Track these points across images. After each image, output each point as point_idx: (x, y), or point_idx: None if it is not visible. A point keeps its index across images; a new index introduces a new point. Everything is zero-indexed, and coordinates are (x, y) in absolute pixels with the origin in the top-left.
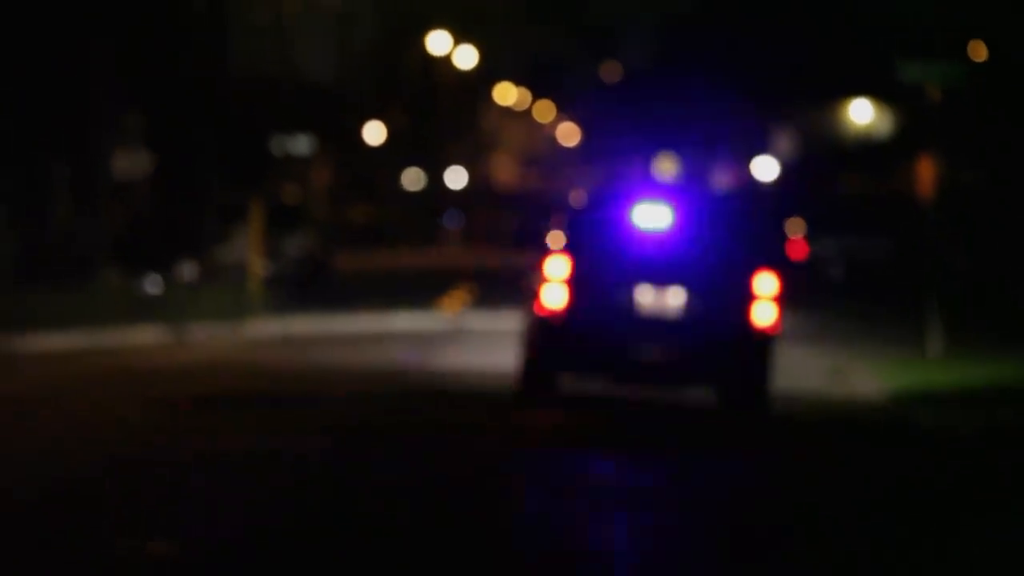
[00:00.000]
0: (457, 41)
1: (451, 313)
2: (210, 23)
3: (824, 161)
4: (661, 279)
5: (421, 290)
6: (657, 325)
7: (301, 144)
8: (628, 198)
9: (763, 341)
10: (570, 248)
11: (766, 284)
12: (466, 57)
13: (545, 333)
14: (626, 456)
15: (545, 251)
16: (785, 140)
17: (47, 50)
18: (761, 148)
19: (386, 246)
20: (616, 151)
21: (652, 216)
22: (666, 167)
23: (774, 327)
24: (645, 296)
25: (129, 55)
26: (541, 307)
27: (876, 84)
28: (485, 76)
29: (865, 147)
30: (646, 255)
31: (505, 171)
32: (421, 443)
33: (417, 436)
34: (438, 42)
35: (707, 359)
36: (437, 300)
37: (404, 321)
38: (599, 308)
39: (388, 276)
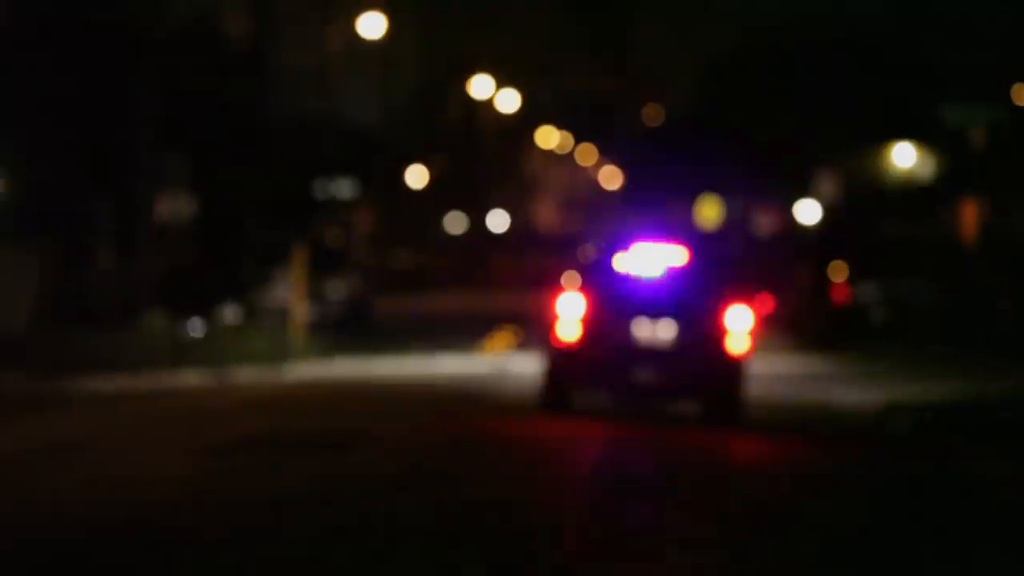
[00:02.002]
0: (499, 85)
1: (495, 355)
2: (253, 68)
3: (866, 204)
4: (654, 314)
5: (464, 333)
6: (651, 352)
7: (344, 188)
8: (630, 245)
9: (737, 365)
10: (581, 288)
11: (741, 318)
12: (508, 101)
13: (561, 360)
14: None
15: (560, 290)
16: (828, 183)
17: (93, 95)
18: (804, 192)
19: (429, 289)
20: (658, 194)
21: (649, 260)
22: (708, 211)
23: (747, 354)
24: (641, 329)
25: (173, 100)
26: (557, 338)
27: (919, 127)
28: (527, 120)
29: (908, 191)
30: (642, 294)
31: (547, 214)
32: (463, 489)
33: (462, 476)
34: (480, 86)
35: (691, 380)
36: (480, 343)
37: (447, 364)
38: (604, 338)
39: (431, 319)
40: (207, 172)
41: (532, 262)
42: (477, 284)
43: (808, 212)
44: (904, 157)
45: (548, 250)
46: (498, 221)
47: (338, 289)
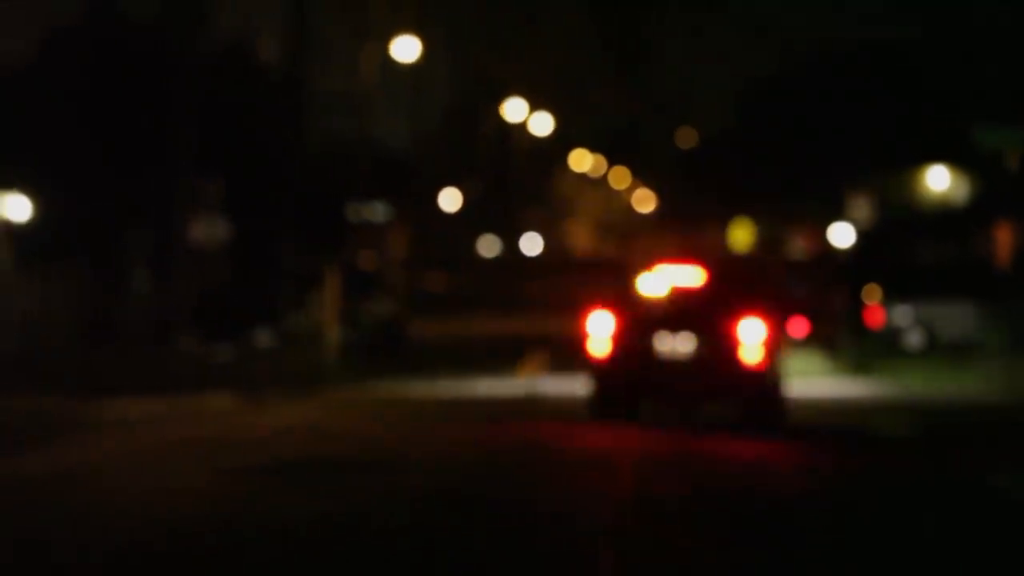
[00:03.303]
0: (533, 108)
1: (528, 378)
2: (288, 92)
3: (901, 228)
4: (676, 328)
5: (498, 355)
6: (673, 363)
7: (377, 211)
8: (656, 267)
9: (756, 375)
10: (612, 307)
11: (755, 331)
12: (542, 124)
13: (599, 373)
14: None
15: (593, 309)
16: (862, 207)
17: (127, 121)
18: (838, 215)
19: (462, 312)
20: (691, 217)
21: (673, 280)
22: (740, 234)
23: (763, 364)
24: (664, 342)
25: (207, 125)
26: (593, 353)
27: (954, 150)
28: (560, 143)
29: (942, 214)
30: (666, 311)
31: (581, 237)
32: (500, 511)
33: (495, 502)
34: (514, 109)
35: (710, 389)
36: (513, 366)
37: (480, 387)
38: (631, 353)
39: (464, 342)
40: (241, 196)
41: (565, 285)
42: (510, 307)
43: (842, 235)
44: (938, 180)
45: (581, 273)
46: (531, 244)
47: (371, 312)
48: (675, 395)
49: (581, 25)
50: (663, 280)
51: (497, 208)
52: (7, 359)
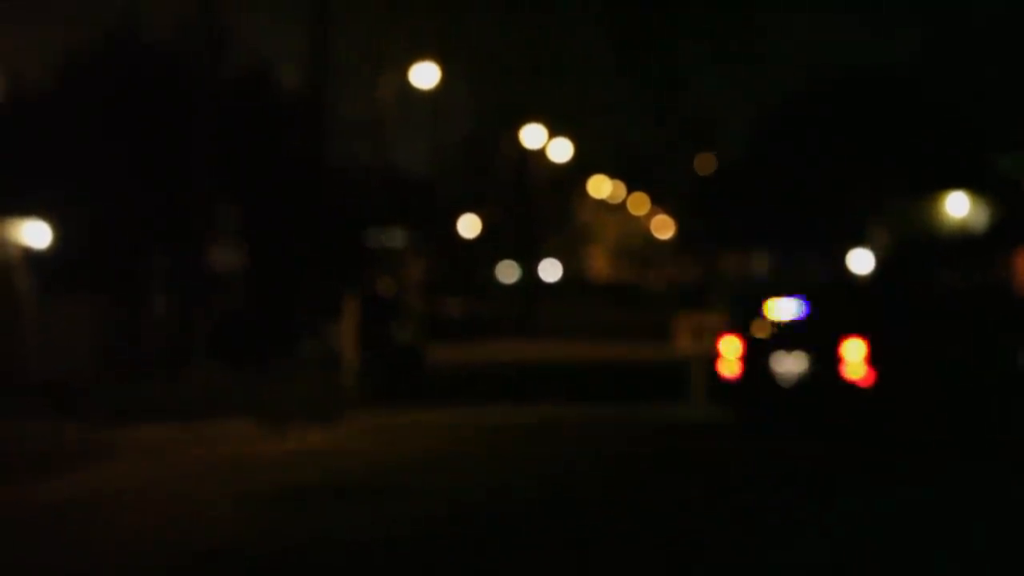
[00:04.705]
0: (552, 134)
1: (552, 404)
2: (307, 118)
3: (920, 254)
4: (790, 348)
5: (517, 381)
6: (789, 381)
7: (396, 237)
8: (776, 293)
9: (854, 390)
10: (736, 332)
11: (855, 350)
12: (560, 150)
13: (728, 391)
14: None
15: (722, 334)
16: (881, 233)
17: (146, 144)
18: (856, 241)
19: (481, 338)
20: (710, 243)
21: (789, 306)
22: (759, 260)
23: (863, 380)
24: (782, 362)
25: (226, 149)
26: (723, 372)
27: (973, 177)
28: (579, 169)
29: (961, 240)
30: (783, 333)
31: (599, 263)
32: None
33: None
34: (533, 135)
35: (821, 403)
36: (534, 391)
37: (501, 412)
38: (756, 371)
39: (484, 368)
40: (260, 222)
41: (584, 310)
42: (529, 333)
43: (861, 261)
44: (957, 207)
45: (601, 299)
46: (550, 270)
47: (390, 338)
48: (792, 410)
49: (600, 51)
50: (782, 306)
51: (516, 234)
52: (26, 385)
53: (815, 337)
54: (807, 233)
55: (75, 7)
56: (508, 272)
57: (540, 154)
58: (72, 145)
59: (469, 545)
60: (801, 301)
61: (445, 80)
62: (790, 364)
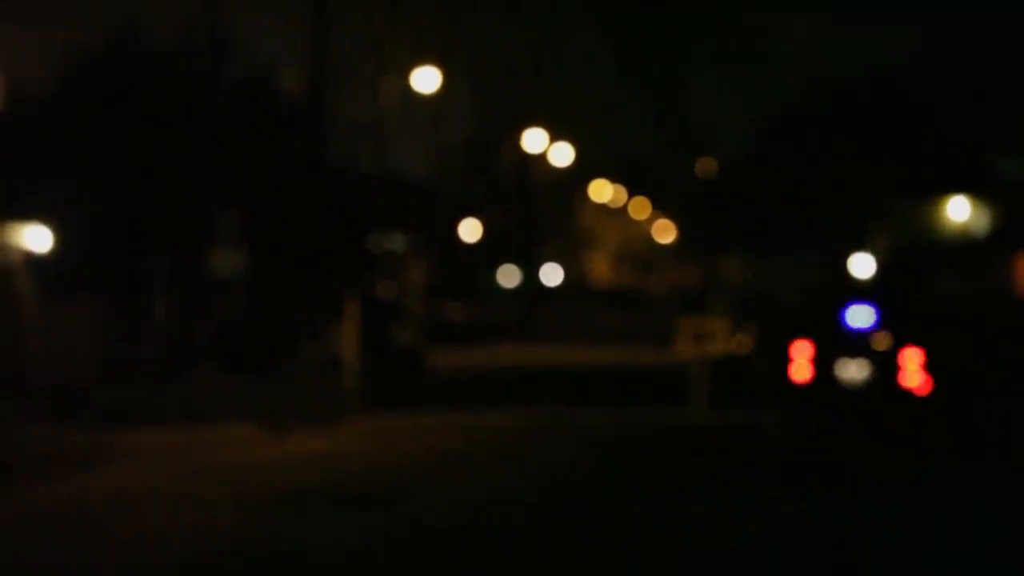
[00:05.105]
0: (553, 138)
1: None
2: (308, 122)
3: (920, 258)
4: (855, 356)
5: (517, 386)
6: (853, 385)
7: (397, 241)
8: (846, 302)
9: (910, 396)
10: (807, 337)
11: (913, 358)
12: (562, 154)
13: (800, 392)
14: None
15: (795, 339)
16: (881, 237)
17: (147, 147)
18: (857, 245)
19: (482, 342)
20: (712, 247)
21: (858, 315)
22: (760, 265)
23: (919, 387)
24: (847, 368)
25: (226, 151)
26: (795, 376)
27: (974, 180)
28: (581, 173)
29: (962, 244)
30: (849, 340)
31: (601, 267)
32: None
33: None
34: (534, 139)
35: (882, 406)
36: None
37: (500, 418)
38: (823, 375)
39: (484, 372)
40: (260, 225)
41: (585, 315)
42: (530, 337)
43: (862, 266)
44: (958, 211)
45: (602, 303)
46: (551, 274)
47: (391, 342)
48: (856, 411)
49: (600, 52)
50: (850, 316)
51: (517, 238)
52: (28, 389)
53: (877, 345)
54: (807, 236)
55: (77, 9)
56: (509, 276)
57: (541, 158)
58: (73, 148)
59: (470, 549)
60: (872, 308)
61: (446, 83)
62: (854, 371)
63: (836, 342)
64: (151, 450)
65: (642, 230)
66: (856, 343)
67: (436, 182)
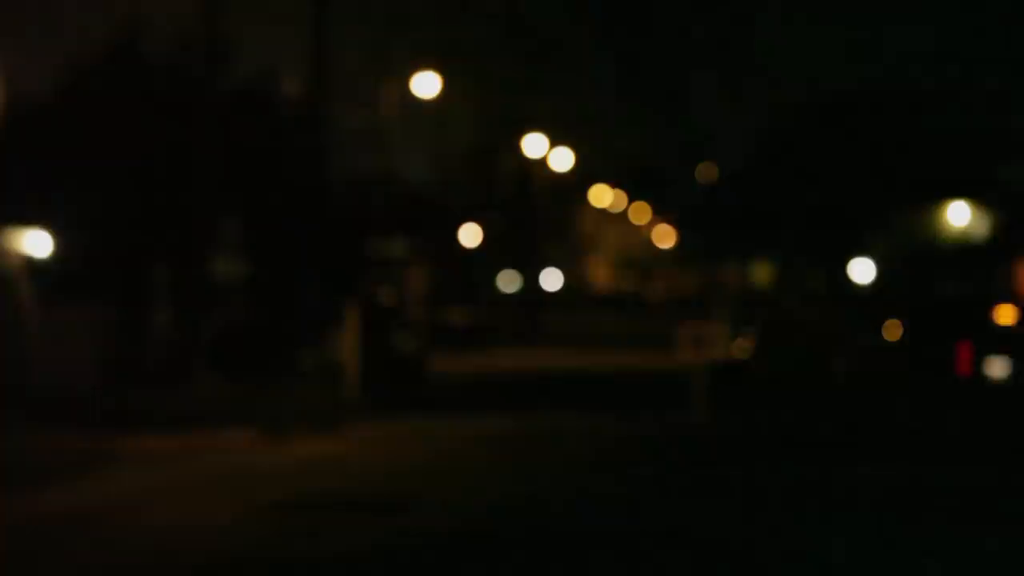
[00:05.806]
0: (553, 144)
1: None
2: (307, 127)
3: (921, 264)
4: (999, 352)
5: (517, 391)
6: (995, 381)
7: (397, 246)
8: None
9: None
10: (968, 338)
11: None
12: (562, 159)
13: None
14: None
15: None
16: (882, 243)
17: (148, 155)
18: (858, 251)
19: (482, 347)
20: (712, 252)
21: (1005, 315)
22: (761, 271)
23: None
24: (993, 366)
25: (228, 161)
26: (960, 371)
27: (974, 186)
28: (581, 178)
29: (963, 250)
30: (997, 340)
31: (601, 272)
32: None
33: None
34: (534, 145)
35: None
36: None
37: (500, 424)
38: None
39: (485, 378)
40: (261, 232)
41: (585, 320)
42: (531, 342)
43: (862, 271)
44: (959, 216)
45: (602, 308)
46: (552, 279)
47: (391, 348)
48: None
49: (602, 60)
50: (1000, 315)
51: (517, 243)
52: (29, 395)
53: (1018, 342)
54: (807, 243)
55: (78, 19)
56: (509, 281)
57: (541, 163)
58: (74, 156)
59: (469, 554)
60: (1016, 308)
61: (446, 89)
62: (997, 368)
63: (988, 340)
64: (152, 456)
65: (642, 235)
66: (1001, 341)
67: (436, 187)
